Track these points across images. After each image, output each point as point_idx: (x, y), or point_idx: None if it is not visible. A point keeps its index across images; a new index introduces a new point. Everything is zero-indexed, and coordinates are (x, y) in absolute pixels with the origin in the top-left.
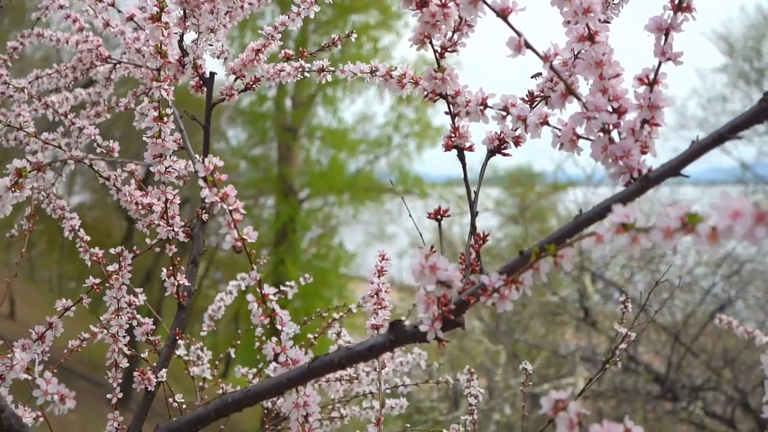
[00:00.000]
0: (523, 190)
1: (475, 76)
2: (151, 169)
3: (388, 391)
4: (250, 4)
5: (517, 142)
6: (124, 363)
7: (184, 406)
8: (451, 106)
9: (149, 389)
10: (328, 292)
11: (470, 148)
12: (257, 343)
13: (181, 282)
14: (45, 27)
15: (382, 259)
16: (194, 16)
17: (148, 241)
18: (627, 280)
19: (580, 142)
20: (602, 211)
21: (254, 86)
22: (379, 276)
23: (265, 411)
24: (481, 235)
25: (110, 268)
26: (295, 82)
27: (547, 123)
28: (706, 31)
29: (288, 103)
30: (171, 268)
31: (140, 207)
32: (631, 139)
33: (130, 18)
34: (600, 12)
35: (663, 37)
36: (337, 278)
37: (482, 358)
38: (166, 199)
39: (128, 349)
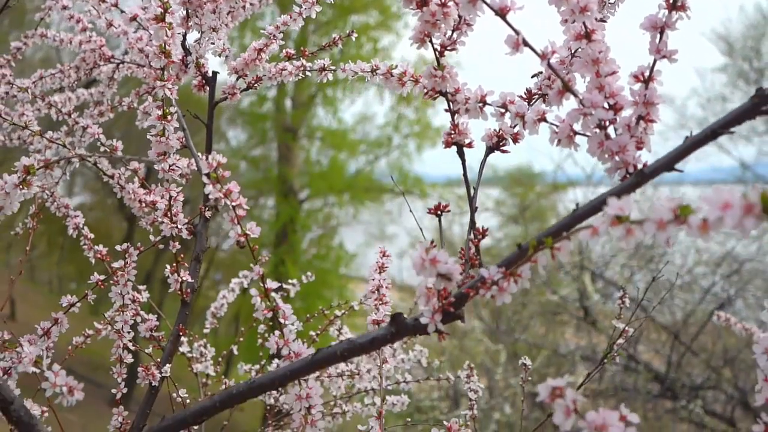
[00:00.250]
0: (523, 190)
1: (475, 76)
2: (155, 166)
3: (389, 387)
4: (251, 4)
5: (516, 138)
6: (129, 358)
7: (188, 401)
8: (450, 103)
9: (153, 384)
10: (329, 293)
11: (469, 145)
12: (260, 340)
13: (184, 278)
14: (45, 28)
15: (383, 255)
16: (197, 16)
17: (151, 238)
18: (627, 279)
19: (577, 138)
20: (598, 204)
21: (256, 85)
22: (379, 272)
23: (268, 407)
24: (481, 230)
25: (115, 264)
26: (295, 83)
27: (544, 120)
28: (706, 31)
29: (288, 103)
30: (174, 264)
31: (143, 205)
32: (627, 135)
33: (133, 18)
34: (596, 11)
35: (658, 36)
36: (337, 279)
37: (482, 358)
38: (170, 197)
39: (132, 344)
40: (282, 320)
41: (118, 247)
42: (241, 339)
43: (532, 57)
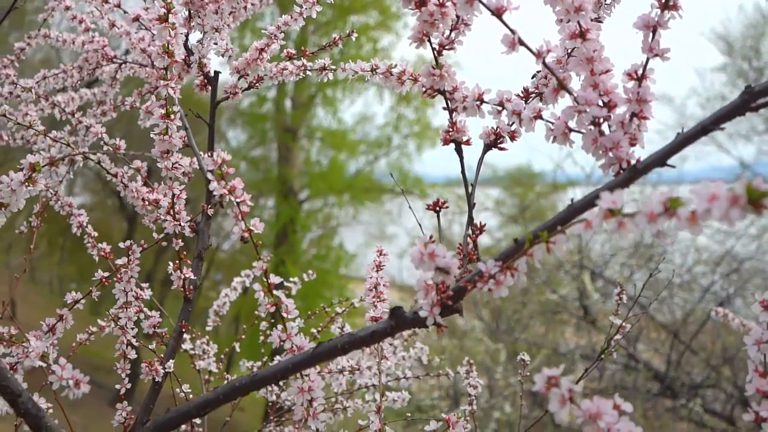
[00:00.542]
0: (523, 190)
1: (473, 75)
2: (158, 164)
3: (389, 383)
4: (252, 4)
5: (513, 136)
6: (132, 354)
7: (191, 396)
8: (448, 101)
9: (157, 380)
10: (329, 293)
11: (467, 142)
12: (261, 338)
13: (187, 275)
14: (45, 28)
15: (380, 254)
16: (199, 17)
17: (155, 235)
18: (626, 278)
19: (572, 135)
20: (592, 199)
21: (257, 85)
22: (377, 270)
23: (270, 404)
24: (478, 226)
25: (119, 261)
26: (295, 83)
27: (540, 117)
28: (705, 30)
29: (288, 104)
30: (177, 261)
31: (146, 203)
32: (621, 131)
33: (136, 19)
34: (591, 11)
35: (651, 34)
36: (337, 279)
37: (482, 357)
38: (173, 195)
39: (136, 340)
40: (284, 315)
41: (121, 245)
42: (243, 336)
43: (529, 56)
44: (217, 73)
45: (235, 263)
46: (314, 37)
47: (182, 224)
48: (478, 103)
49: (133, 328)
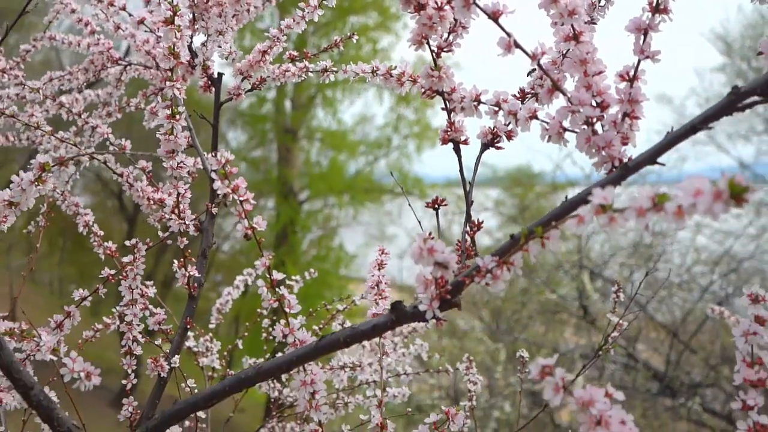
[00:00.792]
0: (523, 191)
1: (471, 76)
2: (164, 164)
3: (389, 380)
4: (255, 7)
5: (510, 136)
6: (138, 350)
7: (196, 391)
8: (447, 102)
9: (162, 375)
10: (329, 294)
11: (465, 142)
12: (264, 335)
13: (191, 273)
14: (49, 30)
15: (382, 252)
16: (203, 19)
17: (160, 234)
18: (626, 278)
19: (567, 135)
20: (585, 196)
21: (260, 86)
22: (379, 269)
23: (272, 400)
24: (476, 223)
25: (125, 259)
26: (295, 84)
27: (536, 117)
28: (705, 31)
29: (288, 104)
30: (182, 260)
31: (151, 202)
32: (613, 131)
33: (141, 21)
34: (585, 14)
35: (642, 37)
36: (337, 279)
37: (482, 357)
38: (178, 194)
39: (142, 336)
40: (287, 309)
41: (127, 243)
42: (246, 334)
43: (525, 56)
44: (220, 74)
45: (235, 264)
46: (314, 37)
47: (187, 223)
48: (475, 103)
49: (139, 325)
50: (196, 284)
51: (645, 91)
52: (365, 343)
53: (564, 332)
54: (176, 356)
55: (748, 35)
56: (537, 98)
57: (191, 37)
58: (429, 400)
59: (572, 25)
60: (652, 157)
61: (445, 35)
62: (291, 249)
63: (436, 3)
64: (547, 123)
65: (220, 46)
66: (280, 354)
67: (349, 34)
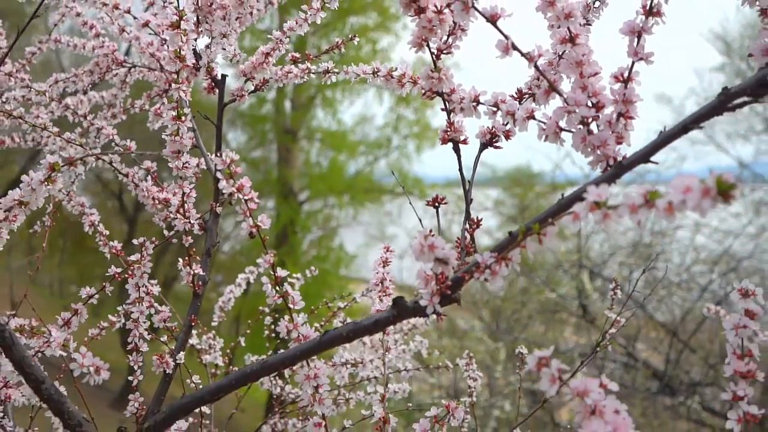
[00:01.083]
0: (523, 190)
1: (471, 76)
2: (169, 164)
3: (390, 376)
4: (257, 10)
5: (508, 135)
6: (145, 347)
7: (200, 387)
8: (446, 103)
9: (167, 372)
10: (329, 294)
11: (464, 141)
12: (266, 332)
13: (196, 271)
14: (43, 32)
15: (387, 250)
16: (207, 22)
17: (165, 233)
18: (625, 278)
19: (563, 134)
20: (580, 193)
21: (263, 88)
22: (383, 266)
23: (275, 397)
24: (475, 220)
25: (132, 257)
26: (295, 85)
27: (533, 117)
28: (704, 31)
29: (287, 105)
30: (187, 258)
31: (157, 202)
32: (608, 130)
33: (146, 24)
34: (581, 17)
35: (636, 39)
36: (337, 280)
37: (482, 356)
38: (183, 193)
39: (148, 334)
40: (291, 306)
41: (135, 241)
42: (248, 331)
43: (523, 58)
44: (224, 76)
45: (235, 265)
46: (314, 38)
47: (192, 222)
48: (474, 104)
49: (145, 322)
50: (200, 282)
51: (644, 90)
52: (366, 340)
53: (564, 331)
54: (181, 353)
55: (747, 35)
56: (534, 99)
57: (195, 40)
58: (429, 399)
59: (568, 28)
60: (645, 155)
61: (445, 38)
62: (291, 249)
63: (436, 6)
64: (544, 123)
65: (224, 49)
66: (282, 351)
67: (350, 36)
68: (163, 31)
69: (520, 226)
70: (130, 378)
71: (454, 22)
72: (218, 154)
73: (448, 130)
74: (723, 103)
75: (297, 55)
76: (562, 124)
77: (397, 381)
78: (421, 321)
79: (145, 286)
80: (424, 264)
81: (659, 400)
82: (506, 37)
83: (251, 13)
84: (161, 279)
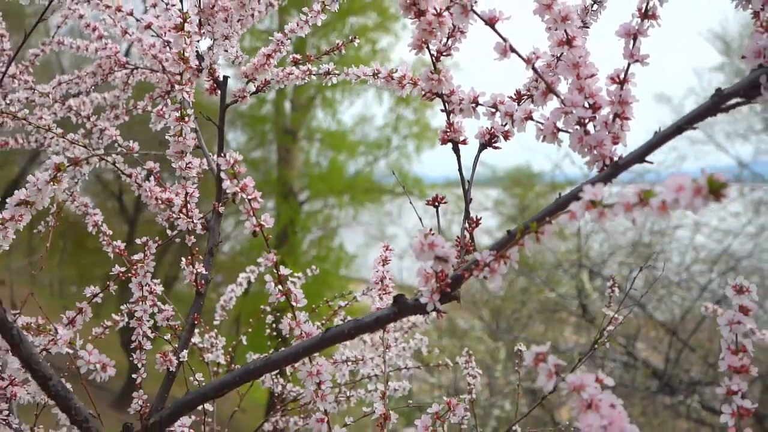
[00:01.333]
0: (522, 190)
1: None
2: (173, 164)
3: (391, 373)
4: (258, 12)
5: (506, 136)
6: (148, 345)
7: (203, 384)
8: (446, 104)
9: (171, 370)
10: (329, 294)
11: (464, 142)
12: (267, 330)
13: (199, 270)
14: (42, 33)
15: (386, 249)
16: (209, 24)
17: (169, 232)
18: (625, 277)
19: (560, 135)
20: (577, 192)
21: (264, 89)
22: (383, 265)
23: (276, 395)
24: (474, 219)
25: (136, 256)
26: (295, 86)
27: (531, 118)
28: (703, 30)
29: (287, 105)
30: (190, 257)
31: (160, 202)
32: (604, 131)
33: (148, 26)
34: (577, 19)
35: (632, 41)
36: (337, 280)
37: (482, 356)
38: (187, 193)
39: (152, 332)
40: (294, 303)
41: (138, 240)
42: (250, 330)
43: (520, 59)
44: (226, 77)
45: (235, 265)
46: (313, 38)
47: (195, 221)
48: (473, 105)
49: (148, 321)
50: (203, 281)
51: (644, 90)
52: (367, 339)
53: (564, 331)
54: (185, 351)
55: (746, 35)
56: (532, 100)
57: (197, 42)
58: (429, 398)
59: (565, 30)
60: (640, 155)
61: (444, 40)
62: (291, 249)
63: (436, 9)
64: (542, 124)
65: (226, 50)
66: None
67: (351, 37)
68: (165, 33)
69: (518, 224)
70: (134, 376)
71: (453, 24)
72: (222, 155)
73: (448, 130)
74: (716, 104)
75: (298, 56)
76: (560, 124)
77: (398, 379)
78: (421, 319)
79: (149, 285)
80: (425, 262)
81: (659, 399)
82: (504, 39)
83: (252, 15)
84: (162, 279)
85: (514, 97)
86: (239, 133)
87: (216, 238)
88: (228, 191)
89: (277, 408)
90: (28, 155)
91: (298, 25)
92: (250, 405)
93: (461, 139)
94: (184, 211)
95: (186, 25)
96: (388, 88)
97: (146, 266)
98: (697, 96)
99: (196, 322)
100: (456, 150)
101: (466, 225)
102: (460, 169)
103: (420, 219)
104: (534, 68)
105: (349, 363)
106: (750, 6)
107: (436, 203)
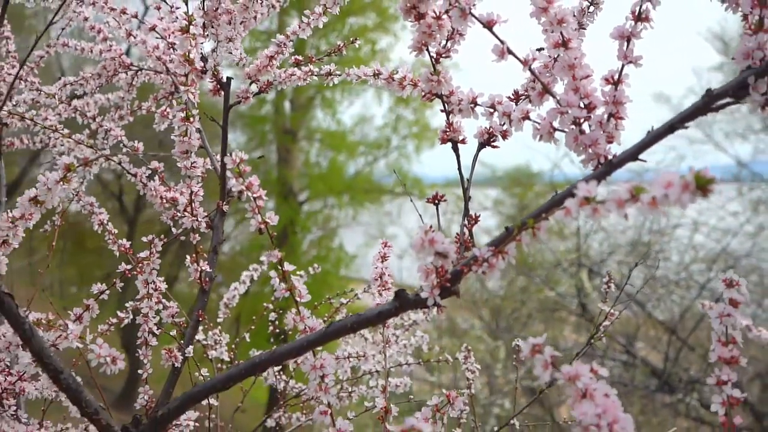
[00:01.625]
0: (522, 190)
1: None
2: (178, 164)
3: (392, 370)
4: (261, 14)
5: (505, 135)
6: (154, 341)
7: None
8: (445, 104)
9: (176, 366)
10: (329, 294)
11: (463, 141)
12: (270, 328)
13: (203, 268)
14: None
15: (385, 246)
16: (212, 26)
17: (174, 230)
18: (624, 276)
19: (556, 134)
20: (572, 190)
21: (267, 90)
22: (382, 261)
23: (279, 392)
24: (473, 217)
25: (142, 254)
26: (294, 86)
27: (528, 118)
28: (702, 30)
29: (287, 106)
30: (194, 255)
31: (164, 201)
32: (599, 130)
33: (152, 28)
34: (573, 22)
35: (625, 43)
36: (337, 280)
37: (482, 355)
38: (192, 192)
39: (157, 328)
40: (298, 299)
41: (144, 239)
42: (253, 327)
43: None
44: (229, 78)
45: (235, 265)
46: (313, 39)
47: (199, 220)
48: (472, 105)
49: (154, 317)
50: (207, 279)
51: (643, 90)
52: (368, 336)
53: (563, 330)
54: (190, 347)
55: None
56: (529, 100)
57: (201, 44)
58: (429, 397)
59: (561, 33)
60: (634, 154)
61: (444, 42)
62: (291, 250)
63: (435, 13)
64: (539, 123)
65: (230, 52)
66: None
67: (352, 39)
68: (169, 36)
69: (516, 221)
70: (140, 371)
71: (452, 27)
72: (230, 154)
73: (448, 130)
74: (707, 104)
75: (300, 57)
76: (556, 124)
77: (399, 376)
78: (421, 317)
79: (154, 282)
80: (425, 258)
81: (658, 398)
82: (502, 42)
83: (255, 18)
84: (162, 278)
85: (512, 97)
86: (239, 133)
87: (220, 236)
88: (234, 189)
89: (281, 403)
90: (28, 156)
91: (300, 27)
92: (251, 405)
93: (460, 138)
94: (189, 209)
95: (192, 27)
96: (388, 89)
97: (152, 263)
98: (696, 96)
99: (200, 319)
100: (455, 149)
101: (465, 222)
102: (459, 168)
103: (420, 216)
104: (531, 69)
105: (351, 359)
106: (740, 9)
107: (436, 201)
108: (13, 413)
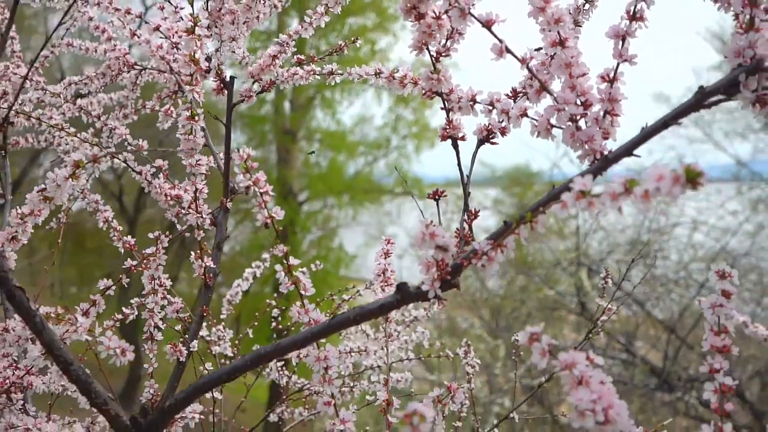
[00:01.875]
0: (522, 190)
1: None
2: (183, 162)
3: (393, 365)
4: (263, 14)
5: (503, 132)
6: (159, 336)
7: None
8: (445, 102)
9: (181, 360)
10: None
11: (462, 138)
12: (273, 323)
13: (207, 264)
14: (42, 34)
15: (388, 242)
16: (216, 27)
17: (178, 227)
18: (623, 275)
19: (554, 131)
20: (568, 184)
21: (269, 89)
22: (385, 257)
23: (281, 388)
24: (473, 212)
25: (148, 250)
26: (294, 86)
27: (526, 115)
28: (701, 30)
29: (287, 106)
30: (199, 251)
31: (169, 198)
32: (595, 127)
33: (156, 28)
34: (570, 21)
35: (620, 42)
36: (337, 280)
37: (482, 354)
38: (196, 189)
39: (163, 323)
40: (302, 292)
41: (150, 235)
42: (256, 324)
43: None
44: (232, 78)
45: (235, 265)
46: (313, 39)
47: (204, 217)
48: (471, 103)
49: (159, 312)
50: (211, 275)
51: (643, 89)
52: (369, 332)
53: (563, 329)
54: (195, 341)
55: None
56: (527, 98)
57: (205, 44)
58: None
59: (558, 32)
60: (628, 150)
61: (443, 41)
62: (291, 250)
63: (435, 13)
64: (536, 120)
65: (233, 52)
66: None
67: (353, 39)
68: (173, 36)
69: (514, 215)
70: (146, 366)
71: (451, 27)
72: (237, 150)
73: (447, 127)
74: (699, 101)
75: (302, 57)
76: (553, 121)
77: (399, 371)
78: (422, 313)
79: (159, 278)
80: (426, 251)
81: (657, 396)
82: (500, 41)
83: (258, 18)
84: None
85: (510, 95)
86: (239, 133)
87: (223, 233)
88: (241, 185)
89: (284, 398)
90: (28, 156)
91: (302, 26)
92: (251, 404)
93: (460, 135)
94: (193, 206)
95: (197, 28)
96: (389, 88)
97: (158, 259)
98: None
99: (205, 314)
100: (455, 146)
101: (465, 217)
102: (459, 165)
103: (422, 212)
104: (528, 68)
105: (353, 354)
106: (731, 8)
107: (437, 197)
108: (21, 407)
